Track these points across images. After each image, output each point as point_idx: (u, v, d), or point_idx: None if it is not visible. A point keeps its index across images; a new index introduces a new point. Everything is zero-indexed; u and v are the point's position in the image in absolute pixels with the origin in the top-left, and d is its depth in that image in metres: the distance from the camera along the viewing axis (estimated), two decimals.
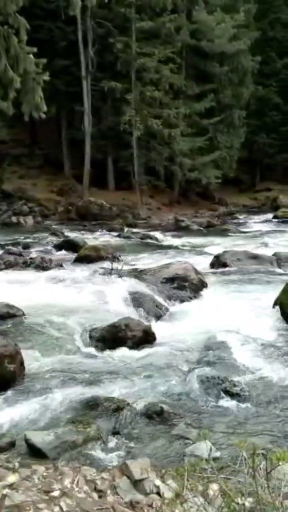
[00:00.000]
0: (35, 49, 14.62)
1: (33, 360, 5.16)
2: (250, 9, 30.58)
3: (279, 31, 35.42)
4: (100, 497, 2.81)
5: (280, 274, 9.40)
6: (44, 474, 3.02)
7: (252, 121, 32.63)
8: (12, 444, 3.52)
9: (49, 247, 13.20)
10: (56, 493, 2.78)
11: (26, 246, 13.36)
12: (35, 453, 3.44)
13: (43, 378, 4.73)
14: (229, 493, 2.08)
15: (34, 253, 12.06)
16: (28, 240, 14.70)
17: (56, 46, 24.30)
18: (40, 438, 3.50)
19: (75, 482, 2.91)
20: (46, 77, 14.82)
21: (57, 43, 24.52)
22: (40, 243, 14.27)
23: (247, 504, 2.09)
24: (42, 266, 9.68)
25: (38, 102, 14.69)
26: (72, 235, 15.98)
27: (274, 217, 24.46)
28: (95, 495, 2.82)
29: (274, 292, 7.35)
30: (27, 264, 9.88)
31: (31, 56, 14.49)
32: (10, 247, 12.54)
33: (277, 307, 6.95)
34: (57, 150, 28.75)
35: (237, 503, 2.04)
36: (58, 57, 23.81)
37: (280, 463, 1.95)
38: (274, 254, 11.15)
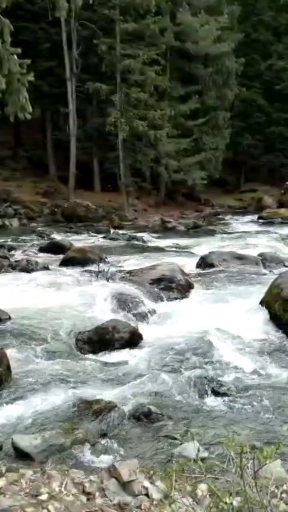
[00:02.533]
0: (19, 50, 14.53)
1: (19, 363, 5.12)
2: (234, 11, 30.77)
3: (262, 33, 35.74)
4: (88, 499, 2.79)
5: (266, 274, 9.46)
6: (32, 478, 3.00)
7: (237, 123, 32.84)
8: None
9: (35, 250, 13.10)
10: (44, 497, 2.77)
11: (12, 249, 13.25)
12: (23, 457, 3.41)
13: (30, 381, 4.69)
14: (217, 493, 2.08)
15: (19, 255, 11.96)
16: (14, 243, 14.58)
17: (40, 47, 24.20)
18: (27, 442, 3.48)
19: (63, 485, 2.90)
20: (30, 77, 14.73)
21: (40, 44, 24.41)
22: (26, 245, 14.16)
23: (235, 503, 2.10)
24: (28, 268, 9.62)
25: (24, 103, 14.58)
26: (58, 237, 15.92)
27: (259, 217, 24.61)
28: (83, 498, 2.80)
29: (260, 292, 7.40)
30: (13, 267, 9.80)
31: (15, 57, 14.39)
32: None
33: (263, 307, 7.00)
34: (42, 152, 28.62)
35: (225, 503, 2.05)
36: (42, 59, 23.71)
37: (268, 462, 1.96)
38: (260, 255, 11.23)
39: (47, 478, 2.99)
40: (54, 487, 2.88)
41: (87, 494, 2.84)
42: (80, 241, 15.30)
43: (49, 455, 3.42)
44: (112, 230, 19.23)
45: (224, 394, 4.54)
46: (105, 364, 5.34)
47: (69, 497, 2.79)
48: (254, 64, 34.90)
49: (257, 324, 6.61)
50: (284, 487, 2.89)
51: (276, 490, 2.75)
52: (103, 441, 3.72)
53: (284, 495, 2.77)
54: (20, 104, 14.14)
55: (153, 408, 4.13)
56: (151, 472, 3.08)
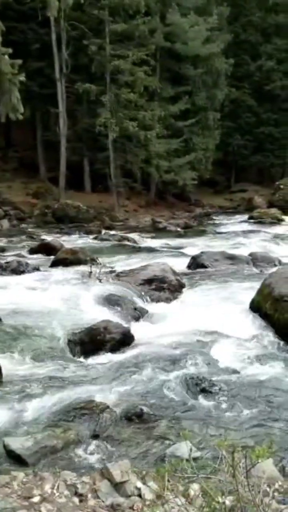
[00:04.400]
0: (10, 50, 14.45)
1: (10, 365, 5.10)
2: (223, 12, 30.88)
3: (251, 34, 35.91)
4: (81, 501, 2.79)
5: (256, 274, 9.51)
6: (24, 480, 2.99)
7: (227, 123, 32.99)
8: None
9: (25, 251, 13.05)
10: (36, 499, 2.75)
11: (2, 250, 13.18)
12: (14, 459, 3.40)
13: (21, 384, 4.67)
14: (209, 492, 2.09)
15: (10, 257, 11.90)
16: (4, 244, 14.50)
17: (30, 48, 24.09)
18: (19, 444, 3.46)
19: (56, 487, 2.89)
20: (22, 78, 14.68)
21: (30, 45, 24.31)
22: (16, 246, 14.10)
23: (227, 502, 2.11)
24: (18, 270, 9.57)
25: (15, 103, 14.53)
26: (49, 238, 15.85)
27: (250, 217, 24.69)
28: (75, 499, 2.80)
29: (250, 292, 7.43)
30: (3, 268, 9.74)
31: (6, 57, 14.32)
32: None
33: (254, 307, 7.04)
34: (32, 153, 28.49)
35: (218, 502, 2.05)
36: (32, 59, 23.61)
37: (260, 461, 1.97)
38: (250, 254, 11.28)
39: (39, 480, 2.98)
40: (46, 489, 2.87)
41: (80, 495, 2.84)
42: (71, 242, 15.25)
43: (41, 457, 3.41)
44: (103, 231, 19.20)
45: (216, 394, 4.55)
46: (97, 365, 5.33)
47: (62, 499, 2.78)
48: (243, 65, 35.08)
49: (248, 324, 6.63)
50: (276, 485, 2.91)
51: (268, 489, 2.76)
52: (95, 442, 3.72)
53: (276, 494, 2.79)
54: (11, 105, 14.09)
55: (145, 408, 4.13)
56: (144, 472, 3.08)
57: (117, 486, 2.89)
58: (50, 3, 18.15)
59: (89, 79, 24.31)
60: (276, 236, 16.61)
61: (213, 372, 5.07)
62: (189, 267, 10.58)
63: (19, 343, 5.71)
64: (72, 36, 24.32)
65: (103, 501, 2.78)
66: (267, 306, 6.66)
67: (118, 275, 8.79)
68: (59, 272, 9.46)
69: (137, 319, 6.97)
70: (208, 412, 4.27)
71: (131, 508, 2.71)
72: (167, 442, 3.73)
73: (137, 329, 6.42)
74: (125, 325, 6.29)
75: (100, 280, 8.33)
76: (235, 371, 5.13)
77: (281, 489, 2.89)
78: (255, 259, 10.81)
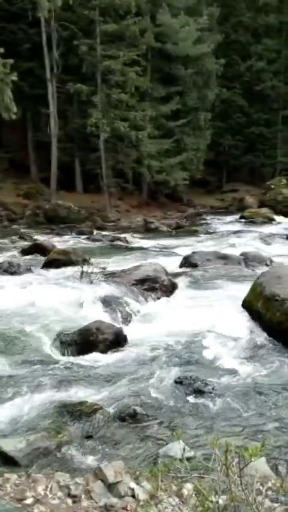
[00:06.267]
0: (2, 50, 14.38)
1: (2, 366, 5.07)
2: (214, 12, 30.98)
3: (241, 34, 36.07)
4: (74, 502, 2.78)
5: (248, 273, 9.54)
6: (17, 482, 2.97)
7: (218, 123, 33.11)
8: None
9: (17, 252, 12.99)
10: (29, 501, 2.74)
11: None
12: (7, 461, 3.38)
13: (13, 385, 4.65)
14: (203, 491, 2.09)
15: (1, 258, 11.85)
16: None
17: (20, 48, 24.01)
18: (11, 446, 3.44)
19: (49, 489, 2.88)
20: (14, 77, 14.62)
21: (21, 45, 24.23)
22: (8, 247, 14.04)
23: (221, 501, 2.11)
24: (10, 271, 9.52)
25: (8, 103, 14.49)
26: (41, 238, 15.80)
27: (241, 217, 24.78)
28: (69, 500, 2.79)
29: (242, 291, 7.45)
30: None
31: None
32: None
33: (246, 306, 7.06)
34: (23, 153, 28.39)
35: (211, 501, 2.06)
36: (23, 59, 23.53)
37: (253, 459, 1.98)
38: (242, 254, 11.31)
39: (32, 481, 2.97)
40: (39, 491, 2.86)
41: (73, 496, 2.83)
42: (63, 242, 15.21)
43: (34, 459, 3.40)
44: (95, 231, 19.17)
45: (209, 394, 4.56)
46: (90, 365, 5.32)
47: (55, 501, 2.77)
48: (234, 65, 35.24)
49: (240, 323, 6.65)
50: (269, 484, 2.92)
51: (261, 488, 2.77)
52: (88, 443, 3.71)
53: (269, 492, 2.80)
54: (4, 104, 14.04)
55: (138, 409, 4.13)
56: (137, 473, 3.08)
57: (111, 487, 2.89)
58: (41, 3, 18.11)
59: (80, 80, 24.28)
60: (268, 236, 16.68)
61: (205, 372, 5.08)
62: (181, 267, 10.58)
63: (11, 344, 5.68)
64: (63, 36, 24.28)
65: (96, 502, 2.78)
66: (259, 305, 6.68)
67: (111, 276, 8.78)
68: (51, 273, 9.43)
69: (129, 319, 6.96)
70: (200, 412, 4.27)
71: (125, 508, 2.71)
72: (160, 442, 3.73)
73: (130, 329, 6.41)
74: (118, 326, 6.28)
75: (91, 281, 8.31)
76: (227, 371, 5.15)
77: (274, 487, 2.90)
78: (246, 259, 10.84)
